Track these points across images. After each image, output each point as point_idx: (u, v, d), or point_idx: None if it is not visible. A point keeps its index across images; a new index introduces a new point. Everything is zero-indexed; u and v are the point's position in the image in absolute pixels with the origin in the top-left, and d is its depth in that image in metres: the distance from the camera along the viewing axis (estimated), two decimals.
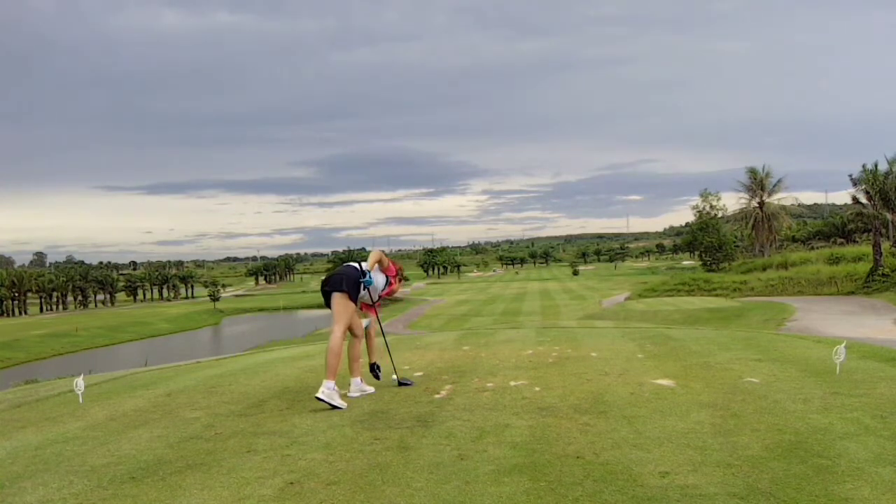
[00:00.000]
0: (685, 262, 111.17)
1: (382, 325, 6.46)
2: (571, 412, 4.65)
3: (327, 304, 5.57)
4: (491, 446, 3.90)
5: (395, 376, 6.23)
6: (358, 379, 5.67)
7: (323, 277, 5.68)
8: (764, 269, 48.75)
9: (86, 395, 6.13)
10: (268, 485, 3.42)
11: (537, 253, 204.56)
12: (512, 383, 5.83)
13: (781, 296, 39.46)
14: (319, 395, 5.09)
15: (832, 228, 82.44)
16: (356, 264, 5.65)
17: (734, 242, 69.29)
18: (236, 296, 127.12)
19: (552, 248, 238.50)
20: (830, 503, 2.89)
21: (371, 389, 5.72)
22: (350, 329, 5.56)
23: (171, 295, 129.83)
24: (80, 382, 6.07)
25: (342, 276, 5.52)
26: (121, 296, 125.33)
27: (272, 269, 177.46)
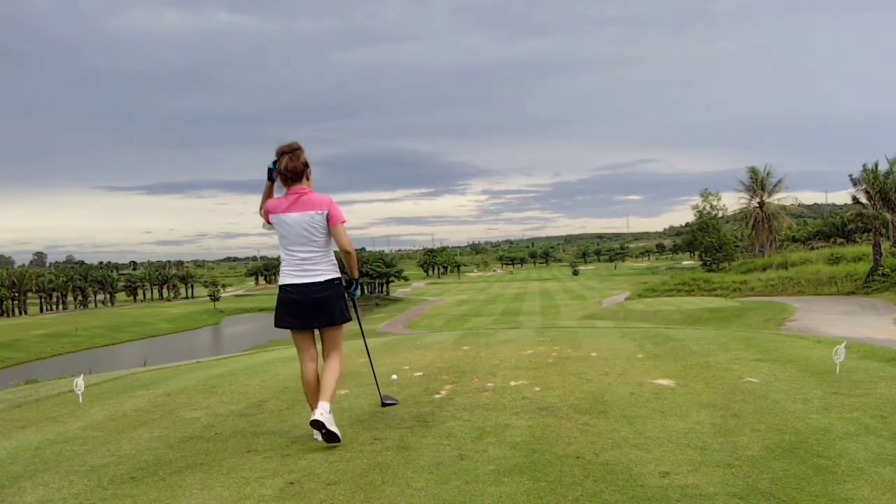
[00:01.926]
0: (685, 262, 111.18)
1: (363, 326, 5.18)
2: (571, 412, 4.65)
3: (297, 326, 4.23)
4: (491, 446, 3.90)
5: (390, 378, 6.22)
6: (328, 406, 4.13)
7: (285, 294, 4.18)
8: (764, 269, 48.76)
9: (86, 395, 6.13)
10: (268, 485, 3.42)
11: (537, 253, 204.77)
12: (512, 383, 5.83)
13: (781, 296, 39.47)
14: (318, 416, 3.98)
15: (832, 228, 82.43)
16: (333, 272, 4.25)
17: (734, 242, 69.28)
18: (236, 296, 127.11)
19: (552, 248, 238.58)
20: (830, 503, 2.89)
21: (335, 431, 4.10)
22: (313, 356, 4.36)
23: (171, 295, 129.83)
24: (80, 382, 6.07)
25: (332, 304, 4.19)
26: (121, 296, 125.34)
27: (272, 269, 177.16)
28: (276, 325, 4.25)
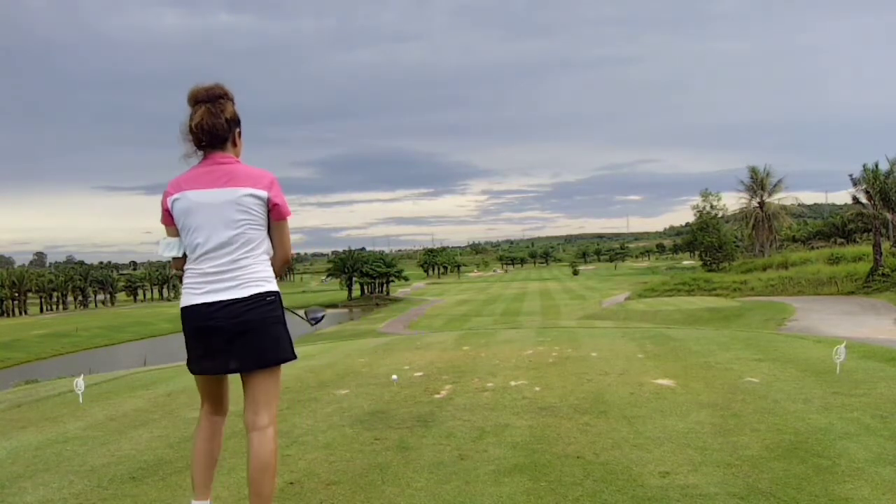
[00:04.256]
0: (685, 262, 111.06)
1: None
2: (571, 412, 4.65)
3: (209, 370, 2.69)
4: (491, 446, 3.90)
5: (391, 378, 6.21)
6: None
7: (189, 323, 2.64)
8: (764, 269, 48.76)
9: (86, 395, 6.13)
10: None
11: (537, 253, 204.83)
12: (512, 383, 5.83)
13: (781, 296, 39.44)
14: None
15: (832, 228, 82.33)
16: (265, 282, 2.66)
17: (734, 242, 69.24)
18: None
19: (552, 248, 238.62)
20: (830, 503, 2.89)
21: None
22: (219, 407, 2.85)
23: (172, 295, 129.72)
24: (80, 382, 6.07)
25: (263, 332, 2.62)
26: (121, 296, 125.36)
27: None
28: (192, 371, 2.74)
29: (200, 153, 2.68)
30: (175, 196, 2.62)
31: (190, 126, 2.64)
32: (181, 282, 2.72)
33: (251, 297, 2.60)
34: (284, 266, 2.79)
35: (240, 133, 2.76)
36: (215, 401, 2.80)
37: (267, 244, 2.70)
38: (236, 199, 2.58)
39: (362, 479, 3.44)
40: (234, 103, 2.72)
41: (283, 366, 2.70)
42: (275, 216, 2.67)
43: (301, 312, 3.22)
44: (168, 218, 2.68)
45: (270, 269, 2.70)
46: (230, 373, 2.70)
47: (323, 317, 3.21)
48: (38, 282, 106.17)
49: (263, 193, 2.61)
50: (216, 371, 2.69)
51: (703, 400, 4.86)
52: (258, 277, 2.63)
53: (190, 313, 2.62)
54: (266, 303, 2.63)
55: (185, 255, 2.69)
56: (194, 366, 2.70)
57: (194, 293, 2.62)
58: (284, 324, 2.71)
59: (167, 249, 2.71)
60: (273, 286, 2.69)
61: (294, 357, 2.72)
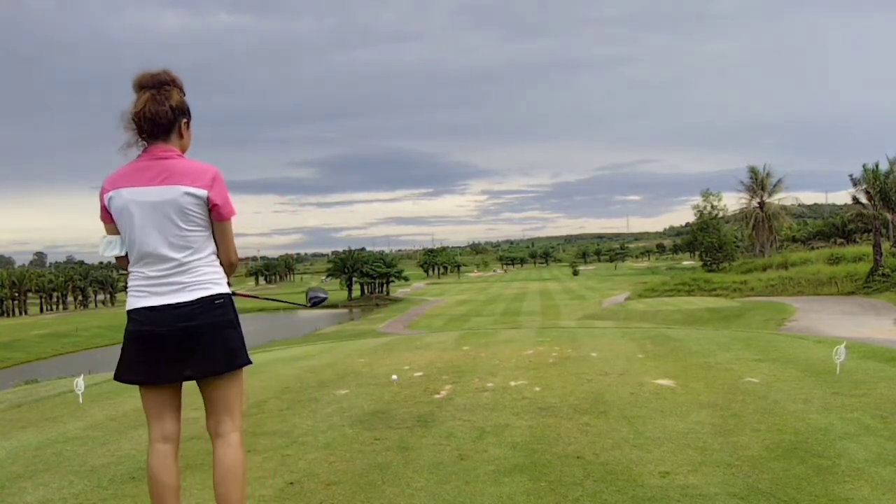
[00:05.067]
0: (685, 263, 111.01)
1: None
2: (571, 412, 4.65)
3: (149, 379, 2.52)
4: (491, 446, 3.90)
5: (390, 378, 6.21)
6: None
7: (133, 325, 2.49)
8: (764, 269, 48.81)
9: (86, 395, 6.13)
10: (268, 485, 3.42)
11: (537, 253, 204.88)
12: (512, 383, 5.83)
13: (781, 296, 39.47)
14: None
15: (832, 228, 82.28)
16: (213, 284, 2.52)
17: (734, 242, 69.25)
18: (236, 295, 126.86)
19: (552, 248, 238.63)
20: (830, 503, 2.89)
21: None
22: (171, 434, 2.62)
23: None
24: (80, 382, 6.07)
25: (214, 337, 2.52)
26: (121, 296, 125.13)
27: (272, 269, 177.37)
28: (116, 377, 2.55)
29: (143, 144, 2.50)
30: (111, 193, 2.45)
31: (132, 113, 2.47)
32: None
33: (198, 300, 2.46)
34: (232, 269, 2.64)
35: (187, 124, 2.57)
36: (164, 419, 2.55)
37: (213, 245, 2.55)
38: (173, 199, 2.41)
39: (362, 479, 3.44)
40: (182, 91, 2.55)
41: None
42: (215, 217, 2.50)
43: (283, 300, 3.63)
44: (106, 215, 2.50)
45: (220, 271, 2.57)
46: (182, 381, 2.55)
47: (324, 299, 3.16)
48: (38, 282, 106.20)
49: (202, 193, 2.43)
50: (165, 380, 2.50)
51: (703, 400, 4.86)
52: (205, 280, 2.49)
53: (136, 317, 2.48)
54: (215, 306, 2.49)
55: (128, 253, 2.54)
56: (140, 375, 2.50)
57: (139, 297, 2.48)
58: (236, 327, 2.58)
59: (108, 248, 2.53)
60: (222, 288, 2.54)
61: (249, 362, 2.59)
